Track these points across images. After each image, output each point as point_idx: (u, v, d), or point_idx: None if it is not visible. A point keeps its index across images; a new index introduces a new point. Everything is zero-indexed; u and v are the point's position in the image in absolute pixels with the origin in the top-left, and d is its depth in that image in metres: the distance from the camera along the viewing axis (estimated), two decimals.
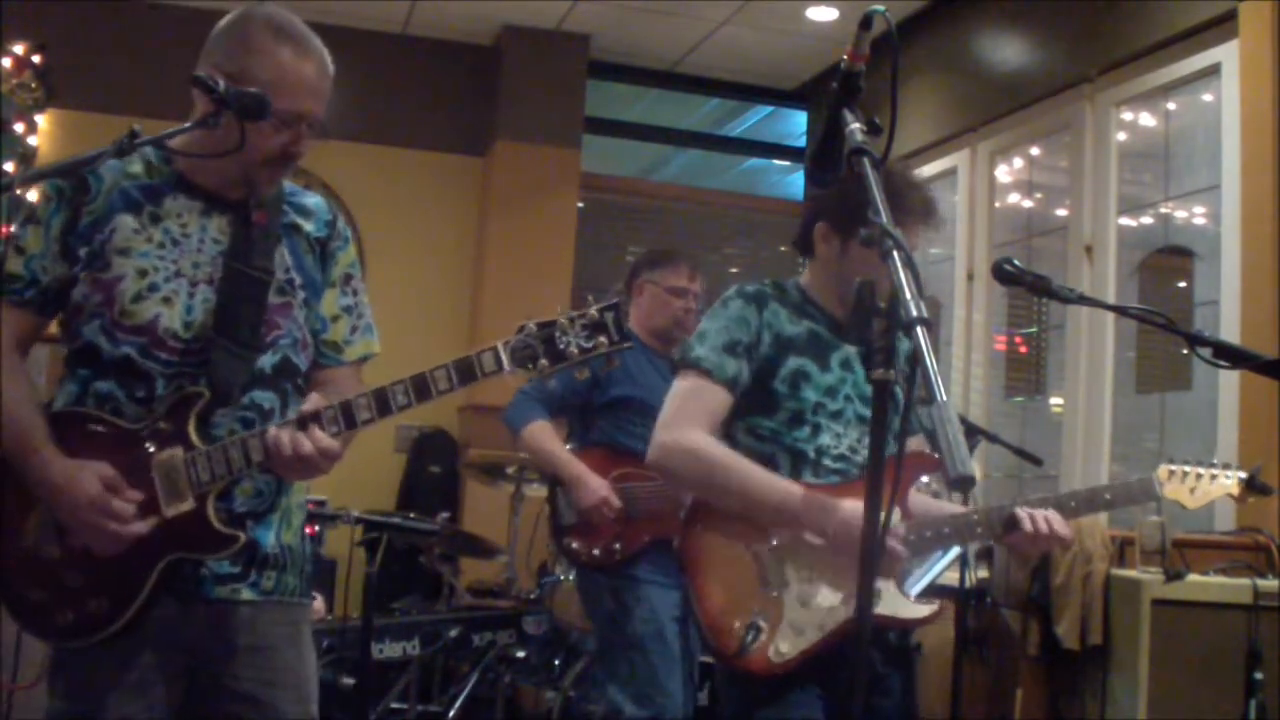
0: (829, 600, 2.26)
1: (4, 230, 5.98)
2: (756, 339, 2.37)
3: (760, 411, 2.37)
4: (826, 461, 2.35)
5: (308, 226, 2.22)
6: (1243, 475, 2.44)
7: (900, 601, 2.30)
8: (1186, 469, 2.43)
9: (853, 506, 2.18)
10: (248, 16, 2.08)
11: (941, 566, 3.35)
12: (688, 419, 2.33)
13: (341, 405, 1.99)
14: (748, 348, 2.36)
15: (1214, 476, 2.42)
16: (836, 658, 2.23)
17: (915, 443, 2.49)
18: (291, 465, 1.98)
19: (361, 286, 2.30)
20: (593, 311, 1.95)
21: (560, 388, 3.86)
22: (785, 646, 2.24)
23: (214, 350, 2.06)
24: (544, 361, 1.94)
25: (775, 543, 2.29)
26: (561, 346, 1.94)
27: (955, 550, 3.34)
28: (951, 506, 2.49)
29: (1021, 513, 2.30)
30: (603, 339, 1.95)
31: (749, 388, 2.36)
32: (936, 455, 2.35)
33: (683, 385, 2.38)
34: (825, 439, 2.36)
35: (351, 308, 2.26)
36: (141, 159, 2.12)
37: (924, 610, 2.32)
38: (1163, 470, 2.45)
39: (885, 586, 2.27)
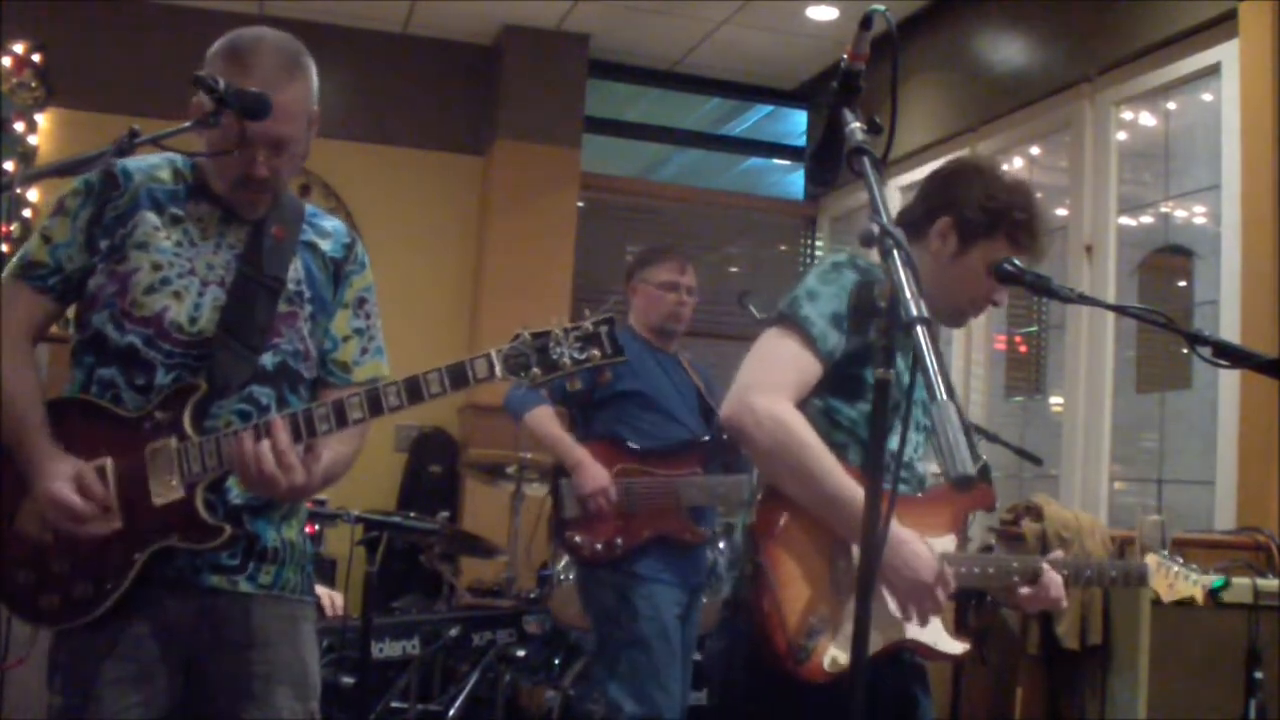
0: (887, 616, 2.13)
1: (4, 229, 5.99)
2: None
3: (843, 395, 2.20)
4: (899, 469, 2.19)
5: (324, 246, 2.26)
6: (1208, 585, 2.52)
7: (941, 633, 2.21)
8: (1170, 565, 2.52)
9: (912, 553, 2.09)
10: (216, 46, 2.09)
11: None
12: (782, 385, 2.11)
13: (334, 404, 2.01)
14: (851, 324, 2.17)
15: (1187, 577, 2.51)
16: (873, 682, 2.06)
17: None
18: (249, 473, 1.98)
19: (375, 311, 2.32)
20: (588, 324, 1.98)
21: (558, 388, 3.87)
22: (841, 656, 2.07)
23: (217, 347, 2.09)
24: (536, 370, 1.96)
25: (851, 545, 2.11)
26: (555, 357, 1.96)
27: None
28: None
29: (1046, 574, 2.29)
30: (595, 352, 1.97)
31: (836, 366, 2.17)
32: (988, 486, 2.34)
33: (783, 344, 2.15)
34: (895, 442, 2.19)
35: (363, 330, 2.29)
36: (170, 166, 2.18)
37: (957, 647, 2.25)
38: (1153, 560, 2.53)
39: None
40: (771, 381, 2.12)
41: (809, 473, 2.08)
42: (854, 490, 2.07)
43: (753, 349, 2.19)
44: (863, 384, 2.18)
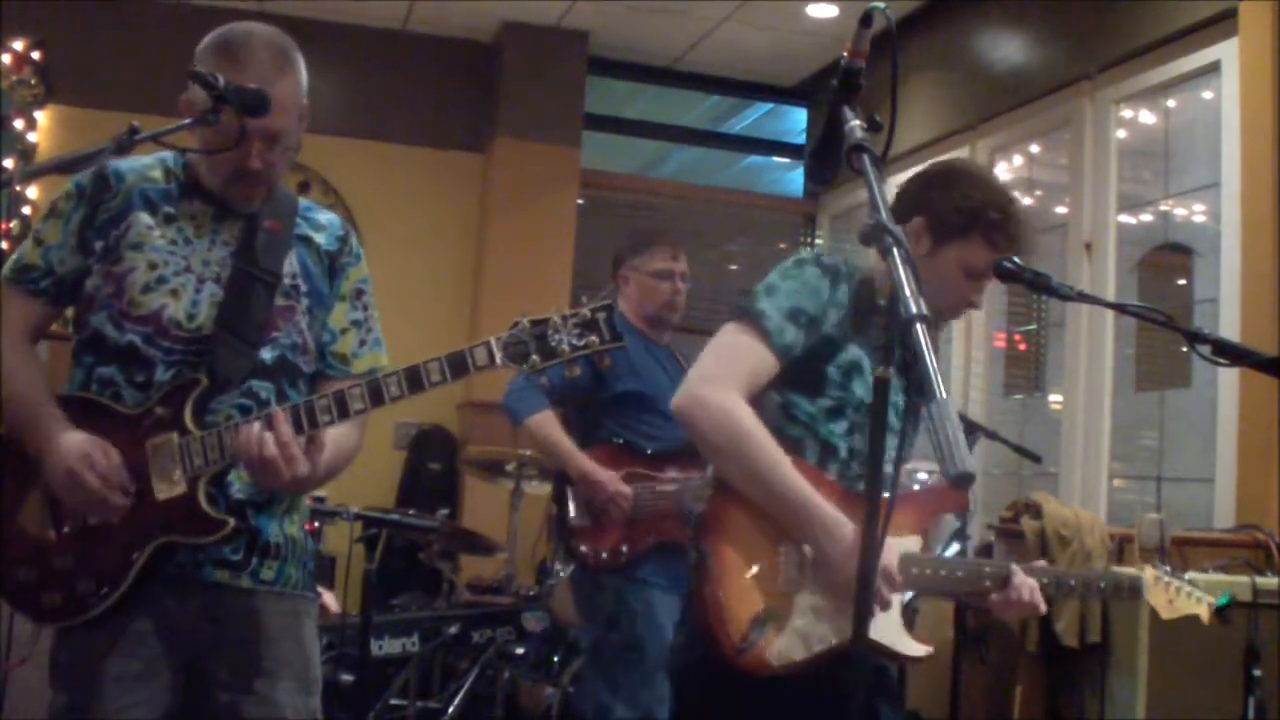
0: (839, 614, 2.07)
1: (4, 226, 5.99)
2: (822, 314, 2.17)
3: (802, 390, 2.19)
4: (855, 466, 2.19)
5: (319, 239, 2.26)
6: (1213, 602, 2.45)
7: (901, 635, 2.18)
8: (1170, 580, 2.46)
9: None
10: (205, 42, 2.09)
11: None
12: (732, 378, 2.12)
13: (335, 395, 2.02)
14: (811, 320, 2.16)
15: (1189, 594, 2.45)
16: (819, 680, 2.06)
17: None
18: (253, 456, 1.98)
19: (372, 302, 2.32)
20: (585, 311, 1.99)
21: (558, 378, 3.84)
22: (788, 651, 2.07)
23: (216, 342, 2.09)
24: (535, 357, 1.98)
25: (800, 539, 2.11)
26: (553, 343, 1.98)
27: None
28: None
29: (1016, 577, 2.24)
30: (594, 338, 1.98)
31: (796, 361, 2.16)
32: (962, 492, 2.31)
33: (737, 338, 2.16)
34: (858, 441, 2.20)
35: (361, 322, 2.29)
36: (161, 165, 2.18)
37: (918, 649, 2.20)
38: (1150, 573, 2.48)
39: (887, 613, 2.13)
40: (723, 374, 2.13)
41: (755, 467, 2.09)
42: (800, 486, 2.08)
43: (710, 343, 2.20)
44: (824, 380, 2.19)
